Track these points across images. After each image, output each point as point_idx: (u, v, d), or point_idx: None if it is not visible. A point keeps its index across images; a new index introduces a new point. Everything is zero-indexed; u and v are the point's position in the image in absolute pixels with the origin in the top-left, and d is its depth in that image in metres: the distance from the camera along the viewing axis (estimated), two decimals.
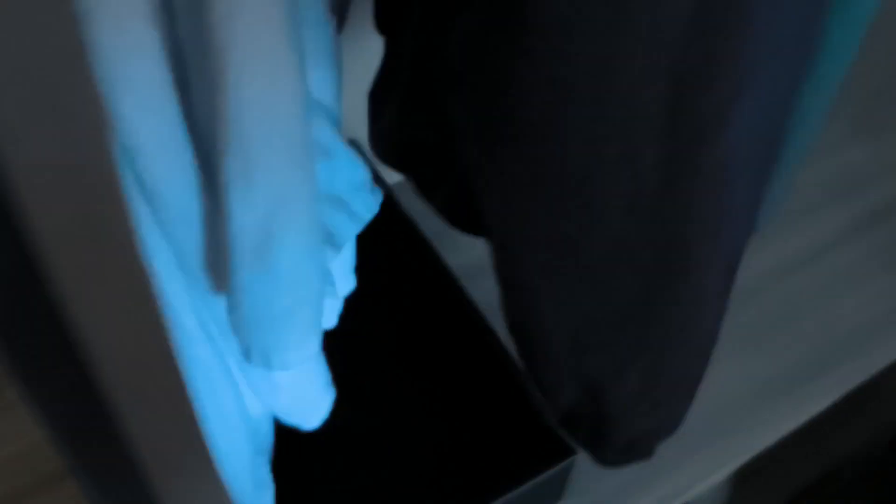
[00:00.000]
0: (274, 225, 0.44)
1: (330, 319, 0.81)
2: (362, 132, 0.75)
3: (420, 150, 0.65)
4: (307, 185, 0.45)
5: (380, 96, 0.67)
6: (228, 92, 0.39)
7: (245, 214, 0.44)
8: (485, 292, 0.72)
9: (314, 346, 0.51)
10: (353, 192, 0.57)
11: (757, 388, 0.92)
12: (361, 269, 0.73)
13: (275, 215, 0.44)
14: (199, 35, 0.38)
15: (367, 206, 0.58)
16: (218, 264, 0.48)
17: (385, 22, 0.66)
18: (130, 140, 0.43)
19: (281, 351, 0.50)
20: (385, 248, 0.84)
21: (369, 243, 0.71)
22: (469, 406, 0.81)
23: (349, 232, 0.57)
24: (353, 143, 0.85)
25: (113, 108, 0.42)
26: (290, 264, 0.46)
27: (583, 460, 0.74)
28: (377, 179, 0.68)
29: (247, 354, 0.50)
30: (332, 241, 0.57)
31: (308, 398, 0.69)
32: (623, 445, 0.65)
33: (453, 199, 0.67)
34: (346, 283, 0.74)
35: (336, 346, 0.77)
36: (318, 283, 0.49)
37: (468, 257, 0.82)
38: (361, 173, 0.58)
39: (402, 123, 0.65)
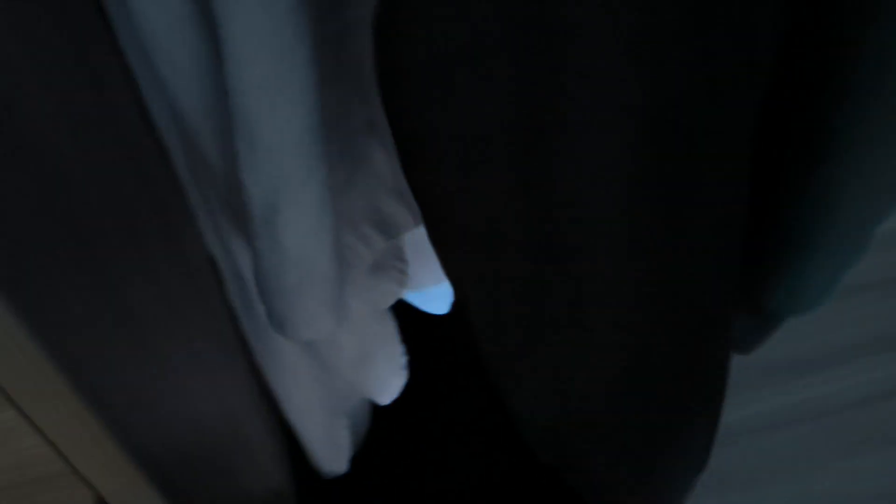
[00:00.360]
0: (279, 201, 0.47)
1: (440, 306, 0.82)
2: None
3: None
4: (315, 167, 0.46)
5: None
6: (230, 65, 0.42)
7: (252, 185, 0.46)
8: None
9: (327, 325, 0.53)
10: None
11: None
12: None
13: (279, 192, 0.46)
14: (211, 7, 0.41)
15: None
16: (247, 228, 0.51)
17: None
18: (173, 102, 0.47)
19: (292, 323, 0.52)
20: None
21: None
22: None
23: (407, 224, 0.58)
24: None
25: (158, 74, 0.46)
26: (295, 242, 0.48)
27: None
28: None
29: (268, 317, 0.53)
30: (386, 231, 0.58)
31: (378, 376, 0.71)
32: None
33: None
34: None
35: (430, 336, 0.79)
36: (327, 266, 0.50)
37: None
38: None
39: None
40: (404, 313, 0.75)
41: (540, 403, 0.52)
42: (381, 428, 0.85)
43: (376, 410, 0.86)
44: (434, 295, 0.81)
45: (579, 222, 0.40)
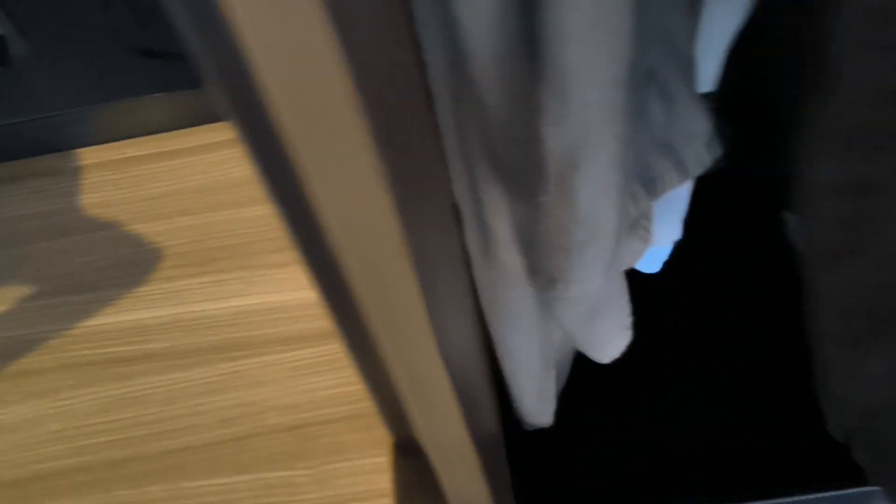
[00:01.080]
0: (579, 157, 0.45)
1: (654, 265, 0.80)
2: None
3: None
4: (618, 122, 0.44)
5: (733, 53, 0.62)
6: (549, 11, 0.40)
7: (554, 140, 0.45)
8: None
9: (598, 283, 0.52)
10: (686, 142, 0.56)
11: None
12: (695, 222, 0.71)
13: (581, 148, 0.45)
14: None
15: (698, 159, 0.56)
16: (529, 181, 0.49)
17: None
18: (460, 44, 0.46)
19: (564, 280, 0.51)
20: (729, 208, 0.81)
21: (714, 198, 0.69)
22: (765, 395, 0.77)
23: (672, 180, 0.56)
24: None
25: (450, 12, 0.44)
26: (589, 199, 0.47)
27: None
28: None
29: (532, 272, 0.52)
30: (650, 187, 0.56)
31: (604, 332, 0.70)
32: None
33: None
34: (672, 231, 0.72)
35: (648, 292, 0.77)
36: (615, 223, 0.49)
37: None
38: (701, 125, 0.56)
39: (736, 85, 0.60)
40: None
41: (867, 392, 0.50)
42: (586, 384, 0.85)
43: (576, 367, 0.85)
44: (649, 253, 0.78)
45: None
